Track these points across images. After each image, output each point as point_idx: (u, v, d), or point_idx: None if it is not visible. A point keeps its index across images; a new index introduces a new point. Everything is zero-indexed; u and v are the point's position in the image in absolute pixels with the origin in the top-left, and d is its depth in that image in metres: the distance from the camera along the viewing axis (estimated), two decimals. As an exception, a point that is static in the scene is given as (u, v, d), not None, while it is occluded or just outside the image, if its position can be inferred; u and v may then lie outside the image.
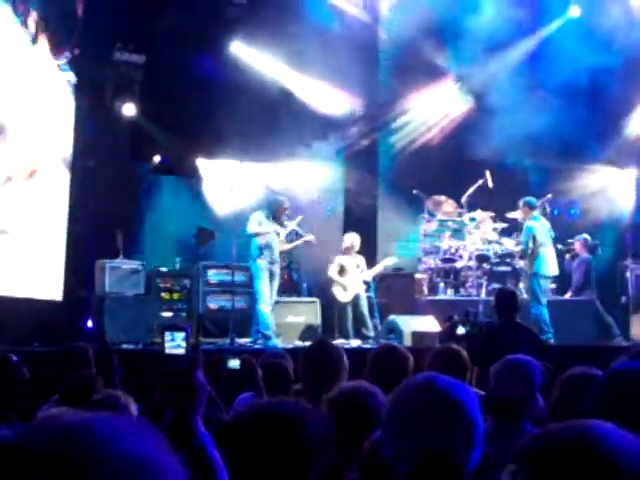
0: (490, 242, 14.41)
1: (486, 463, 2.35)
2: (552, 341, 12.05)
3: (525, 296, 13.01)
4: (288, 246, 13.35)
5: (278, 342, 12.18)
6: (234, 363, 5.91)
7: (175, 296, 13.61)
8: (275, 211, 12.84)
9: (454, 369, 5.38)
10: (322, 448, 2.35)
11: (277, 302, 13.62)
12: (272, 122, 14.60)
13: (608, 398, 2.82)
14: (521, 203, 13.25)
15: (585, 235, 15.03)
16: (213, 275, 13.79)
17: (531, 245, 12.81)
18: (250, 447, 2.35)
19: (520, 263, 13.94)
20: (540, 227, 12.99)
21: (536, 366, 4.46)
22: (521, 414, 4.18)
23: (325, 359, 4.86)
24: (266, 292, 12.44)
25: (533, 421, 4.16)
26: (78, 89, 13.42)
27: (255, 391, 5.65)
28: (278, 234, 12.82)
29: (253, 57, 15.80)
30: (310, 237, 13.52)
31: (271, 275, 12.63)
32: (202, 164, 15.79)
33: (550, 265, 12.94)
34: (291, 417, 2.37)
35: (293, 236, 13.64)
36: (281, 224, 12.93)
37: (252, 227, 12.60)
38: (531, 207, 13.14)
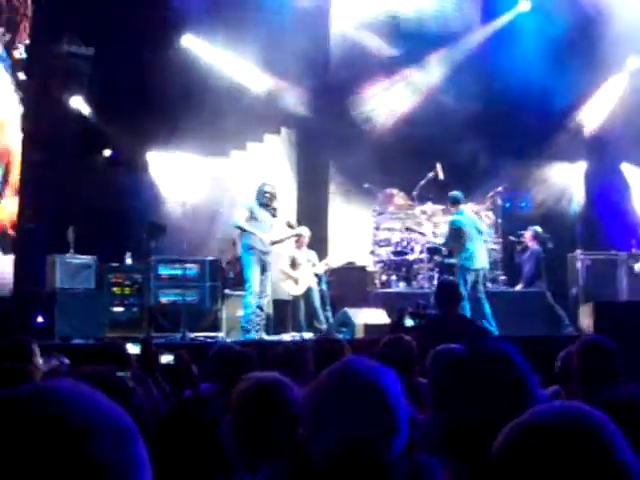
0: (441, 235, 14.46)
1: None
2: None
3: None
4: (278, 237, 12.60)
5: (264, 336, 11.95)
6: (167, 358, 5.86)
7: (126, 291, 13.50)
8: (262, 198, 12.17)
9: (403, 359, 5.42)
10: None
11: (229, 296, 13.59)
12: (224, 115, 14.51)
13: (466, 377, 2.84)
14: (449, 198, 13.28)
15: (536, 227, 15.12)
16: (164, 269, 13.69)
17: (451, 238, 12.87)
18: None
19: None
20: (465, 221, 13.03)
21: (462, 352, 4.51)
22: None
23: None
24: (256, 283, 11.96)
25: None
26: (26, 82, 13.28)
27: (191, 387, 5.60)
28: (271, 225, 12.25)
29: (204, 50, 15.75)
30: (302, 229, 13.33)
31: (263, 266, 12.13)
32: (153, 158, 15.69)
33: (476, 258, 12.83)
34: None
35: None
36: (272, 213, 12.26)
37: (239, 220, 12.11)
38: (456, 201, 13.14)
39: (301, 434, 2.33)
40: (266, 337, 11.99)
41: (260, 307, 12.08)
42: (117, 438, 1.18)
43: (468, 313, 12.10)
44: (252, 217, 12.06)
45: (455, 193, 13.20)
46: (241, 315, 12.38)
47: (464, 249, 12.76)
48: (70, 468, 1.13)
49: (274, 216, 12.29)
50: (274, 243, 12.41)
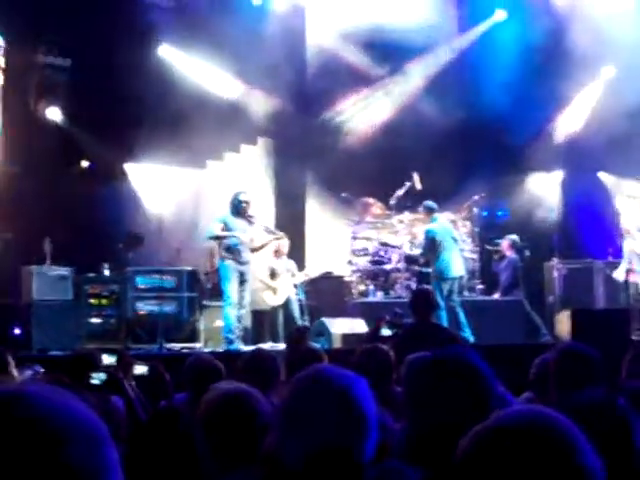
0: (418, 244, 14.48)
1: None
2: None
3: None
4: (258, 244, 12.57)
5: (242, 346, 11.89)
6: (142, 369, 5.85)
7: (104, 302, 13.46)
8: (236, 207, 12.12)
9: (380, 368, 5.43)
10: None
11: (206, 306, 13.56)
12: (201, 126, 14.51)
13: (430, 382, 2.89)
14: (421, 208, 13.33)
15: (513, 236, 15.17)
16: (142, 280, 13.66)
17: (427, 248, 12.91)
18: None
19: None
20: (440, 229, 13.06)
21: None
22: None
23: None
24: (233, 294, 11.95)
25: None
26: (2, 93, 13.24)
27: (164, 398, 5.60)
28: (242, 238, 12.13)
29: (181, 60, 15.74)
30: (281, 234, 13.24)
31: (241, 276, 12.08)
32: (130, 169, 15.65)
33: (452, 267, 12.84)
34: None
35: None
36: (249, 221, 12.21)
37: (213, 230, 12.08)
38: (430, 210, 13.18)
39: (270, 441, 2.34)
40: (244, 348, 11.96)
41: (238, 318, 12.07)
42: (89, 442, 1.19)
43: (445, 322, 12.13)
44: (227, 229, 12.05)
45: (428, 202, 13.24)
46: (221, 326, 12.36)
47: (439, 258, 12.79)
48: (43, 472, 1.13)
49: (251, 224, 12.28)
50: (254, 250, 12.40)
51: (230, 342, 11.86)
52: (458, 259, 13.10)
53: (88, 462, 1.17)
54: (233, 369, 5.40)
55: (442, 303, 12.40)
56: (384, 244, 14.68)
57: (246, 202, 12.18)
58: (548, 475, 1.50)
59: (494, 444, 1.54)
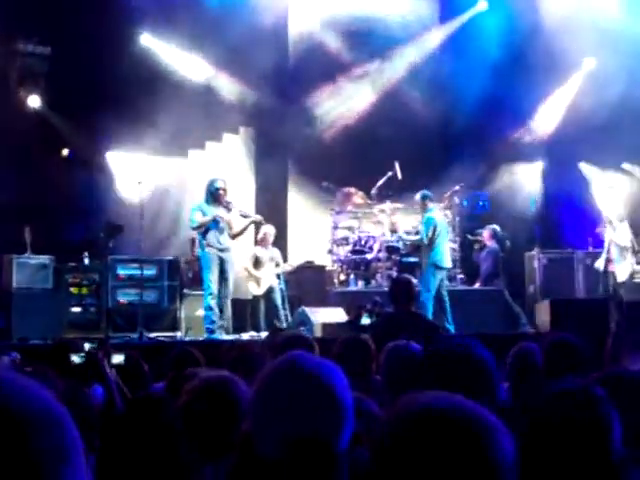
0: (399, 234, 14.52)
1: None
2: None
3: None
4: (237, 230, 12.36)
5: (223, 336, 11.81)
6: (118, 359, 5.83)
7: (84, 291, 13.45)
8: (212, 194, 12.00)
9: (360, 358, 5.45)
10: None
11: (187, 295, 13.55)
12: (182, 114, 14.47)
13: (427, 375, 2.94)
14: (419, 196, 13.39)
15: (494, 226, 15.23)
16: (122, 269, 13.64)
17: (430, 235, 13.00)
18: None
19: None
20: (439, 219, 13.29)
21: (418, 349, 4.58)
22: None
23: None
24: (213, 284, 11.86)
25: None
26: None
27: (142, 388, 5.58)
28: (222, 218, 11.98)
29: (163, 49, 15.68)
30: (257, 217, 13.01)
31: (222, 264, 11.95)
32: (111, 157, 15.60)
33: (445, 257, 13.18)
34: None
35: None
36: (226, 207, 12.09)
37: (195, 219, 11.93)
38: (429, 199, 13.35)
39: (245, 429, 2.34)
40: (225, 337, 11.95)
41: (220, 308, 12.03)
42: (47, 426, 1.20)
43: (430, 310, 12.25)
44: (204, 216, 12.01)
45: (425, 191, 13.37)
46: (202, 315, 12.34)
47: (437, 247, 12.94)
48: (5, 455, 1.14)
49: (229, 210, 12.24)
50: (234, 237, 12.32)
51: (211, 332, 11.83)
52: (449, 250, 13.36)
53: (47, 446, 1.18)
54: (217, 360, 5.40)
55: (433, 292, 12.56)
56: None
57: (222, 189, 12.10)
58: (458, 464, 1.51)
59: (410, 430, 1.56)
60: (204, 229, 11.94)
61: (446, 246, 13.33)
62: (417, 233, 13.72)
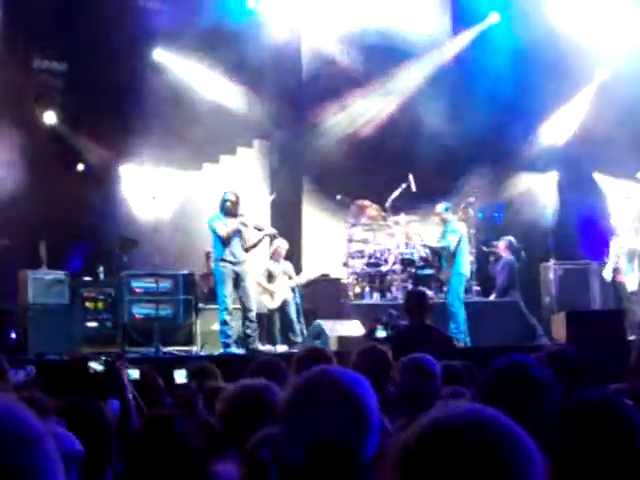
0: (414, 246, 14.50)
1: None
2: (461, 343, 12.27)
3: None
4: (251, 242, 12.46)
5: (238, 350, 11.90)
6: (134, 373, 5.81)
7: (100, 305, 13.45)
8: (226, 208, 12.08)
9: (378, 368, 5.44)
10: None
11: (202, 309, 13.57)
12: (196, 128, 14.54)
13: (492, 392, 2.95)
14: (442, 208, 13.43)
15: (509, 237, 15.19)
16: (138, 284, 13.65)
17: (455, 245, 13.11)
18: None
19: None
20: (463, 229, 13.49)
21: (433, 362, 4.57)
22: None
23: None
24: (228, 299, 11.91)
25: None
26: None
27: (156, 404, 5.54)
28: (240, 231, 12.10)
29: (176, 64, 15.75)
30: (272, 230, 13.13)
31: (237, 277, 11.99)
32: (125, 172, 15.66)
33: (468, 267, 13.46)
34: None
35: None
36: (241, 222, 12.16)
37: (221, 231, 11.95)
38: (450, 211, 13.56)
39: (260, 437, 2.38)
40: (261, 347, 12.03)
41: (250, 319, 12.04)
42: (24, 443, 1.21)
43: (463, 318, 12.39)
44: (226, 227, 12.05)
45: (447, 203, 13.68)
46: (218, 330, 12.39)
47: (462, 257, 13.10)
48: None
49: (245, 225, 12.28)
50: (248, 249, 12.37)
51: (227, 346, 11.88)
52: (469, 261, 13.76)
53: (18, 463, 1.19)
54: (234, 374, 5.39)
55: (463, 299, 12.75)
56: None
57: (232, 201, 12.16)
58: (480, 475, 1.51)
59: (434, 441, 1.55)
60: (222, 241, 11.98)
61: (468, 256, 13.63)
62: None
